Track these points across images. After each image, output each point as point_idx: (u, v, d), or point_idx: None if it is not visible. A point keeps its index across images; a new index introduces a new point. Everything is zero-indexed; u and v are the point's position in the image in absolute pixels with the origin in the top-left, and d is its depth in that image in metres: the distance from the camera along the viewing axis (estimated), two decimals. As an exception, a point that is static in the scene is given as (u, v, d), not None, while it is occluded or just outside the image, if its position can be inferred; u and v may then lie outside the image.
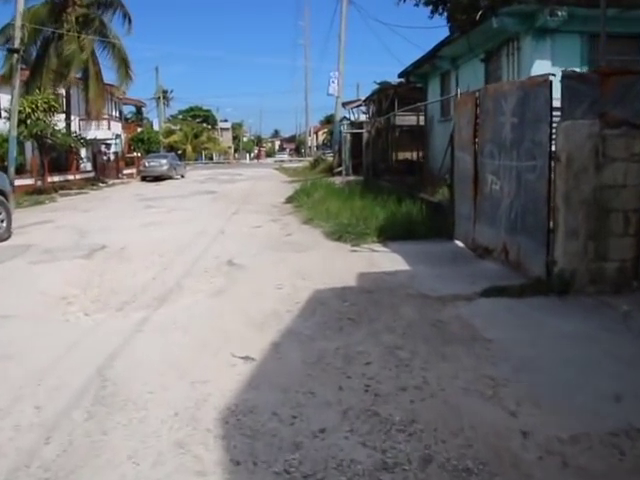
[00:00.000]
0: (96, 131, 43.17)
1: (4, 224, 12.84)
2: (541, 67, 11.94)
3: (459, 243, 10.34)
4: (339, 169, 30.90)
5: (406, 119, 23.97)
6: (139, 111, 77.51)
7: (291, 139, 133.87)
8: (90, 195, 28.26)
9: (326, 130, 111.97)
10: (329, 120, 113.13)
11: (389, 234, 10.98)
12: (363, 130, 23.80)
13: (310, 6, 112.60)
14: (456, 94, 11.11)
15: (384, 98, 33.26)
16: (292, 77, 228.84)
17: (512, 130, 7.85)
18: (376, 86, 32.87)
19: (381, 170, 21.39)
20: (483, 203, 8.93)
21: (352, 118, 43.48)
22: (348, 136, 29.37)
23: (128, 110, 73.18)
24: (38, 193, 28.28)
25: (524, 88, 7.57)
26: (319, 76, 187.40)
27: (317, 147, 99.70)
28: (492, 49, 14.59)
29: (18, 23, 26.45)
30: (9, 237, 12.83)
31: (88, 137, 39.45)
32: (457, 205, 10.43)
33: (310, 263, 9.19)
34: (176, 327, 6.07)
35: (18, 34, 26.35)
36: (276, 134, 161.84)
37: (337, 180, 23.57)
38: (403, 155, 25.40)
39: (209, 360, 5.17)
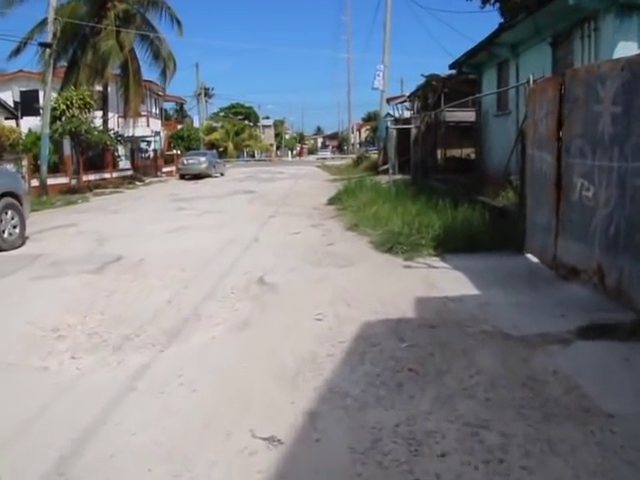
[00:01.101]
0: (134, 128, 42.15)
1: (17, 230, 11.62)
2: (626, 50, 10.18)
3: (532, 258, 8.71)
4: (384, 167, 29.28)
5: (455, 114, 22.29)
6: (181, 108, 76.93)
7: (334, 136, 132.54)
8: (124, 194, 27.19)
9: (369, 127, 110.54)
10: (372, 117, 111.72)
11: (448, 245, 9.40)
12: (411, 125, 22.14)
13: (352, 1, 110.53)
14: (528, 81, 9.45)
15: (430, 93, 31.54)
16: (334, 72, 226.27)
17: (613, 122, 6.20)
18: (421, 81, 31.20)
19: (430, 169, 19.72)
20: (569, 212, 7.28)
21: (396, 114, 41.84)
22: (394, 132, 27.74)
23: (170, 107, 72.70)
24: (72, 192, 27.43)
25: (632, 68, 5.92)
26: (362, 70, 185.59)
27: (360, 144, 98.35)
28: (561, 32, 12.85)
29: (51, 17, 25.61)
30: (22, 244, 11.62)
31: (126, 134, 38.51)
32: (530, 212, 8.78)
33: (356, 282, 7.67)
34: (181, 383, 4.60)
35: (51, 28, 25.51)
36: (318, 131, 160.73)
37: (383, 179, 21.95)
38: (451, 153, 23.75)
39: (219, 443, 3.69)
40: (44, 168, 25.61)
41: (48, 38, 25.46)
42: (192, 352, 5.29)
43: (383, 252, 9.53)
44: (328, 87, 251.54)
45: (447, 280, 7.69)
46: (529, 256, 8.86)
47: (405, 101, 43.69)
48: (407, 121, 31.17)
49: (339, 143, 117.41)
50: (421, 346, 5.29)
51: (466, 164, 22.28)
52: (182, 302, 7.04)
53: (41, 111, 27.72)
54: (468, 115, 22.83)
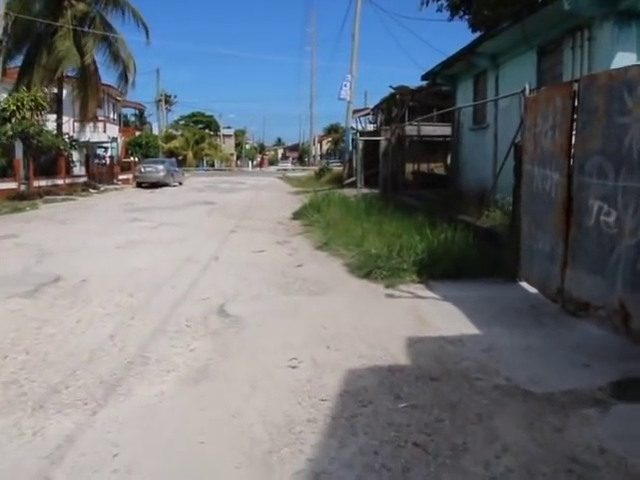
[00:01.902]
0: (90, 134, 40.45)
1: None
2: (624, 61, 9.34)
3: (528, 287, 7.74)
4: (350, 180, 28.36)
5: (426, 128, 21.50)
6: (141, 115, 75.17)
7: (294, 147, 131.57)
8: (76, 202, 25.64)
9: (330, 139, 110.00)
10: (333, 129, 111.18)
11: (432, 271, 8.36)
12: (381, 138, 21.21)
13: (317, 13, 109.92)
14: (523, 90, 8.52)
15: (394, 106, 30.86)
16: (297, 83, 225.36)
17: (645, 136, 5.25)
18: (386, 94, 30.57)
19: (401, 183, 18.79)
20: (582, 240, 6.30)
21: (359, 127, 41.05)
22: (361, 144, 26.82)
23: (130, 113, 70.87)
24: (21, 199, 25.82)
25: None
26: (326, 81, 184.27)
27: (321, 156, 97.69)
28: (550, 41, 12.01)
29: (1, 11, 24.02)
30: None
31: (81, 140, 36.87)
32: (526, 236, 7.81)
33: (334, 316, 6.56)
34: (115, 469, 3.39)
35: (1, 23, 23.86)
36: (279, 142, 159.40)
37: (350, 193, 20.94)
38: (421, 167, 22.94)
39: None
40: (-12, 173, 23.96)
41: (-2, 34, 23.91)
42: (133, 416, 4.09)
43: (360, 277, 8.45)
44: (290, 98, 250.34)
45: (439, 314, 6.64)
46: (524, 285, 7.90)
47: (368, 114, 43.04)
48: (372, 134, 30.40)
49: (300, 155, 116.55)
50: (424, 407, 4.22)
51: (438, 179, 21.49)
52: (127, 338, 5.85)
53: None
54: (439, 129, 22.09)
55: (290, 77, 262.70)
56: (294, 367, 5.02)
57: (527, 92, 8.37)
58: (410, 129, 19.30)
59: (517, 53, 13.49)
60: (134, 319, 6.57)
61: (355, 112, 40.17)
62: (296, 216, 16.59)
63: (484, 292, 7.65)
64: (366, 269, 8.51)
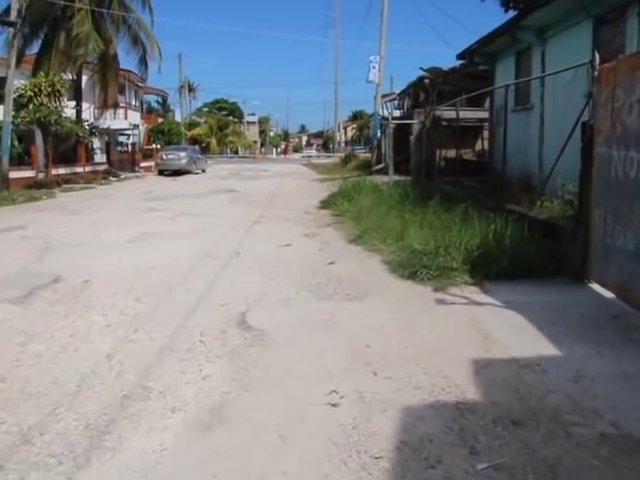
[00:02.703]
0: (111, 120, 39.58)
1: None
2: None
3: (601, 290, 6.57)
4: (378, 167, 27.14)
5: (463, 112, 20.24)
6: (164, 102, 74.40)
7: (318, 134, 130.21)
8: (95, 191, 24.76)
9: (355, 125, 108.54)
10: (357, 116, 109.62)
11: (486, 270, 7.19)
12: (414, 121, 19.96)
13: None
14: (591, 61, 7.31)
15: (421, 90, 29.46)
16: (321, 67, 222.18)
17: None
18: (412, 78, 29.24)
19: (434, 170, 17.53)
20: (685, 237, 5.13)
21: (385, 113, 39.71)
22: (391, 129, 25.58)
23: (154, 100, 70.16)
24: (38, 187, 25.04)
25: None
26: (351, 64, 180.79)
27: (346, 143, 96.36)
28: (609, 10, 10.71)
29: (14, -8, 23.03)
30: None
31: (101, 127, 36.03)
32: (599, 231, 6.62)
33: (378, 328, 5.44)
34: None
35: (15, 5, 22.90)
36: (303, 129, 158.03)
37: (379, 180, 19.77)
38: (447, 153, 21.67)
39: None
40: (5, 160, 23.12)
41: (12, 16, 22.91)
42: (120, 487, 3.04)
43: (404, 278, 7.30)
44: (315, 83, 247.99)
45: (504, 327, 5.48)
46: (595, 287, 6.73)
47: (395, 99, 41.61)
48: (400, 119, 29.16)
49: (324, 141, 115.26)
50: (512, 470, 3.11)
51: (471, 165, 20.23)
52: (127, 359, 4.79)
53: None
54: (474, 113, 20.82)
55: (314, 61, 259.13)
56: (335, 405, 3.92)
57: (597, 62, 7.16)
58: (447, 112, 18.01)
59: (569, 25, 12.16)
60: (138, 332, 5.51)
61: (381, 97, 38.85)
62: (324, 205, 15.47)
63: (550, 296, 6.48)
64: (410, 268, 7.35)
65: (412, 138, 20.16)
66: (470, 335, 5.24)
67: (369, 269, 7.91)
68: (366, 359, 4.67)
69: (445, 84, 25.80)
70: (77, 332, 5.53)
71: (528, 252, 7.53)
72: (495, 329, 5.39)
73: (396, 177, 20.73)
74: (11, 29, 23.05)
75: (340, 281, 7.26)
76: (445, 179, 16.70)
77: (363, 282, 7.18)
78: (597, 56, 7.28)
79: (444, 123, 17.86)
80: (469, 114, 21.27)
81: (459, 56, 18.33)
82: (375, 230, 10.02)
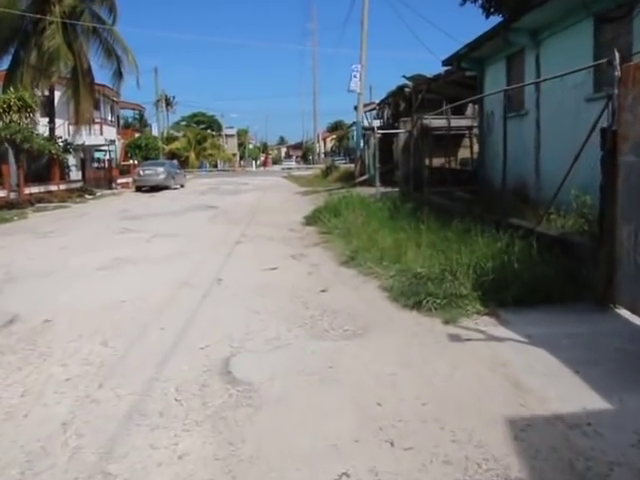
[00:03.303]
0: (86, 136, 38.48)
1: None
2: None
3: (629, 316, 5.81)
4: (362, 178, 26.40)
5: (437, 121, 19.58)
6: (141, 117, 73.39)
7: (298, 146, 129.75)
8: (69, 210, 23.73)
9: (335, 136, 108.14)
10: (338, 126, 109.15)
11: (501, 295, 6.40)
12: (401, 130, 19.21)
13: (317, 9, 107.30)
14: (610, 61, 6.58)
15: (401, 100, 28.84)
16: (299, 76, 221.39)
17: None
18: (392, 87, 28.60)
19: (423, 181, 16.77)
20: None
21: (365, 123, 39.09)
22: (373, 139, 24.87)
23: (130, 115, 69.10)
24: (10, 207, 23.97)
25: None
26: (330, 73, 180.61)
27: (325, 154, 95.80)
28: (613, 7, 10.01)
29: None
30: None
31: (75, 143, 34.98)
32: (628, 249, 5.85)
33: (388, 377, 4.57)
34: None
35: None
36: (282, 141, 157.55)
37: (365, 192, 19.02)
38: (432, 163, 20.97)
39: None
40: (-28, 180, 22.10)
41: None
42: None
43: (408, 307, 6.45)
44: (293, 94, 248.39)
45: (534, 370, 4.65)
46: (623, 313, 5.95)
47: (374, 109, 41.01)
48: (380, 129, 28.56)
49: (303, 153, 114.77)
50: None
51: (457, 175, 19.53)
52: (86, 429, 3.91)
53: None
54: (458, 121, 20.13)
55: (292, 72, 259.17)
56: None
57: (617, 61, 6.42)
58: (435, 121, 17.31)
59: (567, 25, 11.46)
60: (103, 387, 4.63)
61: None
62: (310, 221, 14.63)
63: (576, 327, 5.69)
64: (414, 297, 6.52)
65: (398, 148, 19.41)
66: (497, 383, 4.42)
67: (367, 297, 7.06)
68: (378, 422, 3.82)
69: (428, 92, 25.16)
70: (30, 390, 4.64)
71: (544, 274, 6.74)
72: (524, 374, 4.57)
73: (382, 189, 20.00)
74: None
75: (336, 313, 6.41)
76: (434, 190, 15.95)
77: (362, 314, 6.34)
78: (617, 55, 6.52)
79: (439, 132, 17.13)
80: (454, 122, 20.65)
81: (445, 62, 17.66)
82: (368, 250, 9.20)
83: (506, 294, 6.36)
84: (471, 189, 16.07)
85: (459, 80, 21.02)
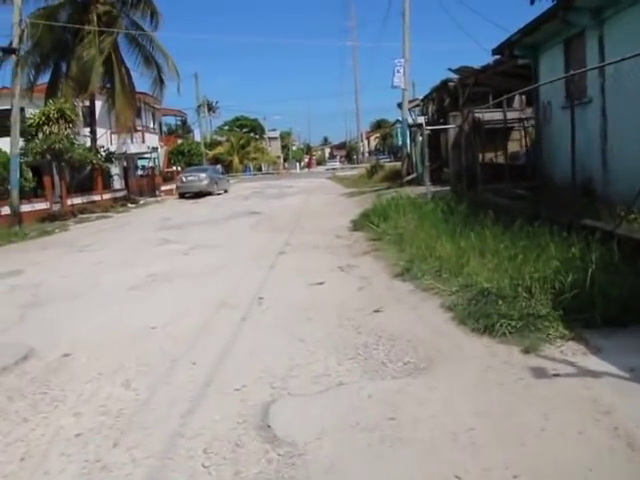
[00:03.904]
0: (128, 145, 38.32)
1: None
2: None
3: None
4: (410, 177, 25.37)
5: (495, 114, 18.48)
6: (184, 123, 73.48)
7: (341, 146, 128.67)
8: (110, 220, 23.37)
9: (378, 134, 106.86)
10: (381, 124, 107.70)
11: (586, 314, 5.41)
12: (451, 125, 18.17)
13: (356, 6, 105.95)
14: None
15: (446, 94, 27.74)
16: (340, 76, 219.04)
17: None
18: (436, 82, 27.46)
19: (477, 179, 15.72)
20: None
21: (409, 120, 37.99)
22: (420, 136, 23.88)
23: (172, 122, 69.20)
24: (52, 219, 23.82)
25: None
26: (371, 73, 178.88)
27: (369, 153, 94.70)
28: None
29: (16, 18, 21.77)
30: None
31: (117, 152, 34.78)
32: None
33: (463, 434, 3.63)
34: None
35: (17, 31, 21.64)
36: (325, 141, 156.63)
37: (414, 192, 18.05)
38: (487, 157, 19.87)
39: None
40: (15, 194, 21.81)
41: (14, 43, 21.65)
42: None
43: (476, 332, 5.50)
44: (335, 94, 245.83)
45: (652, 420, 3.70)
46: None
47: (418, 105, 39.87)
48: (427, 125, 27.57)
49: (347, 153, 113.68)
50: None
51: (515, 170, 18.41)
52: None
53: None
54: (512, 114, 19.03)
55: (333, 71, 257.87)
56: None
57: None
58: (487, 114, 16.28)
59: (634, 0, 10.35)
60: (118, 446, 3.85)
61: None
62: (357, 226, 13.75)
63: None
64: (484, 319, 5.56)
65: (449, 144, 18.32)
66: (605, 441, 3.45)
67: (428, 319, 6.12)
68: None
69: (475, 85, 24.05)
70: (32, 451, 3.89)
71: (636, 287, 5.72)
72: (638, 426, 3.60)
73: (432, 188, 18.98)
74: (14, 56, 21.70)
75: (393, 340, 5.51)
76: (488, 187, 14.90)
77: (424, 341, 5.42)
78: None
79: (494, 125, 16.09)
80: (508, 115, 19.56)
81: (495, 51, 16.49)
82: (424, 260, 8.26)
83: (593, 313, 5.37)
84: (528, 185, 14.96)
85: (508, 70, 19.88)
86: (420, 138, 25.29)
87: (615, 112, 11.28)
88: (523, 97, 21.34)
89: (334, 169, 74.40)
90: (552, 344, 5.04)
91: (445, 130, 20.67)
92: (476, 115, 16.14)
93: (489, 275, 6.63)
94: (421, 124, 23.83)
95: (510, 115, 19.37)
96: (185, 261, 11.12)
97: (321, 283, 8.26)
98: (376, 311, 6.56)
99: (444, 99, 28.68)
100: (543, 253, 6.98)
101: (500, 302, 5.78)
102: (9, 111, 22.24)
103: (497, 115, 18.37)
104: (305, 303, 7.19)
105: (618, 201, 9.34)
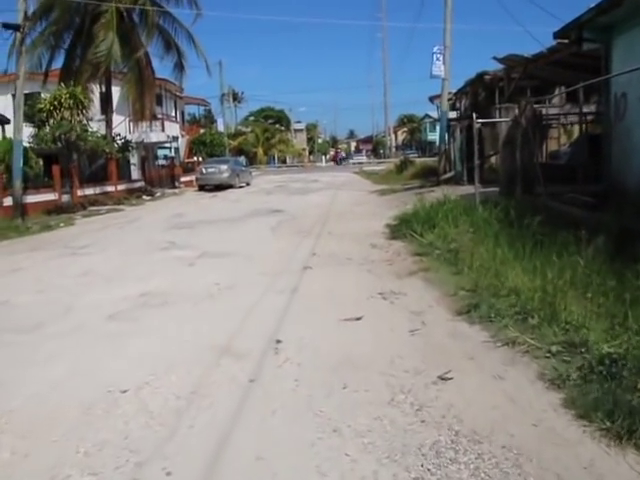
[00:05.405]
0: (147, 133, 36.55)
1: None
2: None
3: None
4: (448, 175, 23.25)
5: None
6: (209, 112, 71.88)
7: (367, 140, 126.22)
8: (119, 215, 21.58)
9: (406, 129, 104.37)
10: (408, 119, 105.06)
11: None
12: (505, 119, 16.00)
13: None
14: None
15: (481, 88, 25.68)
16: (368, 71, 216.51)
17: None
18: (471, 75, 25.36)
19: (534, 181, 13.60)
20: None
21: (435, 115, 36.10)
22: (459, 131, 21.72)
23: (195, 111, 67.47)
24: (59, 212, 22.09)
25: None
26: (398, 66, 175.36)
27: (396, 148, 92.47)
28: None
29: (19, -8, 19.92)
30: None
31: (135, 140, 33.01)
32: None
33: None
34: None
35: (22, 6, 19.81)
36: (351, 135, 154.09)
37: (454, 192, 15.97)
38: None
39: None
40: (18, 183, 20.10)
41: (19, 18, 19.82)
42: None
43: (612, 437, 3.43)
44: (362, 87, 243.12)
45: None
46: None
47: (451, 99, 37.75)
48: (457, 120, 25.76)
49: (374, 147, 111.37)
50: None
51: (563, 171, 16.31)
52: None
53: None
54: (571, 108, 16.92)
55: (361, 63, 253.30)
56: None
57: None
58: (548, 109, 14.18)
59: None
60: None
61: (435, 98, 35.06)
62: (395, 233, 11.70)
63: None
64: (623, 418, 3.49)
65: (499, 140, 16.13)
66: None
67: (526, 403, 4.02)
68: None
69: (523, 77, 21.90)
70: None
71: None
72: None
73: (472, 189, 16.84)
74: (19, 34, 19.87)
75: (479, 444, 3.48)
76: (549, 191, 12.80)
77: (530, 452, 3.38)
78: None
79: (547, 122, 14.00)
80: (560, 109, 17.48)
81: (558, 34, 14.25)
82: (494, 291, 6.23)
83: None
84: (592, 190, 12.83)
85: (563, 60, 17.67)
86: (459, 133, 23.18)
87: None
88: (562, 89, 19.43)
89: (360, 163, 72.17)
90: None
91: (488, 125, 18.53)
92: (537, 109, 13.96)
93: (603, 327, 4.58)
94: (466, 117, 21.70)
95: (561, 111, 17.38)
96: (188, 275, 9.14)
97: (358, 319, 6.26)
98: (442, 378, 4.52)
99: (479, 93, 26.64)
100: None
101: (624, 371, 3.75)
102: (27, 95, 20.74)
103: (552, 110, 16.30)
104: (338, 355, 5.17)
105: None
